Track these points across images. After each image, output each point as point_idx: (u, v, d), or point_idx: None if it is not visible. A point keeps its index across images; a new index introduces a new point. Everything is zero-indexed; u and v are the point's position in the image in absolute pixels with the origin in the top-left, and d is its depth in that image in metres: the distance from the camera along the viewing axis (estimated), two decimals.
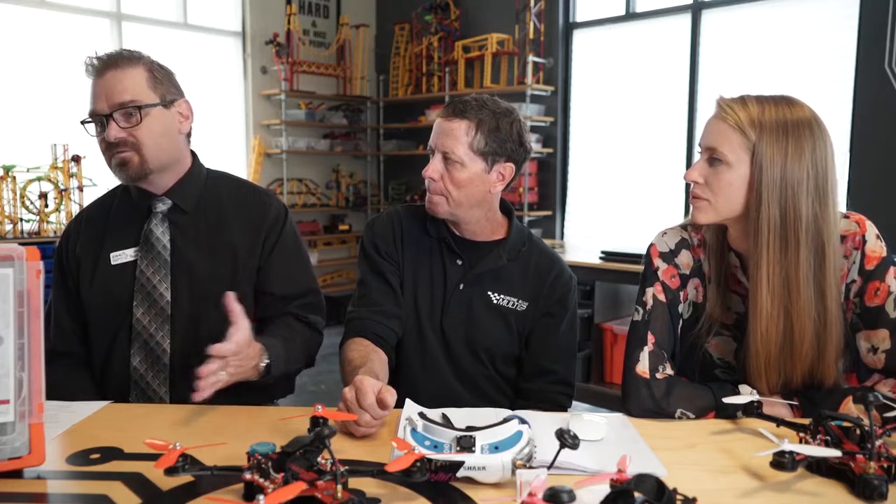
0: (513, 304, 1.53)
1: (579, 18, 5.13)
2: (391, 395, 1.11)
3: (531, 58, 5.03)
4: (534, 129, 5.09)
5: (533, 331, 1.55)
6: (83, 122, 1.46)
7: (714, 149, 1.23)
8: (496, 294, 1.53)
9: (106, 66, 1.42)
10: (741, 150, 1.21)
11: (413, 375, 1.53)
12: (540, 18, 5.10)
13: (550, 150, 5.19)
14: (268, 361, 1.35)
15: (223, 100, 5.46)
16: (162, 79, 1.47)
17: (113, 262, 1.51)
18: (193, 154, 1.58)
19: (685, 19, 4.58)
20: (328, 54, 5.91)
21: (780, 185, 1.19)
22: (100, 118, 1.43)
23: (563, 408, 1.53)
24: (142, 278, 1.48)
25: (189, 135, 1.55)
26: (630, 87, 4.86)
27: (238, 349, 1.22)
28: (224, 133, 5.43)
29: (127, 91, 1.41)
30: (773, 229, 1.20)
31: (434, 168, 1.46)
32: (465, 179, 1.45)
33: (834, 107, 3.88)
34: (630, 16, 4.84)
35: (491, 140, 1.45)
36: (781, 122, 1.20)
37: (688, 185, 1.31)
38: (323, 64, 5.82)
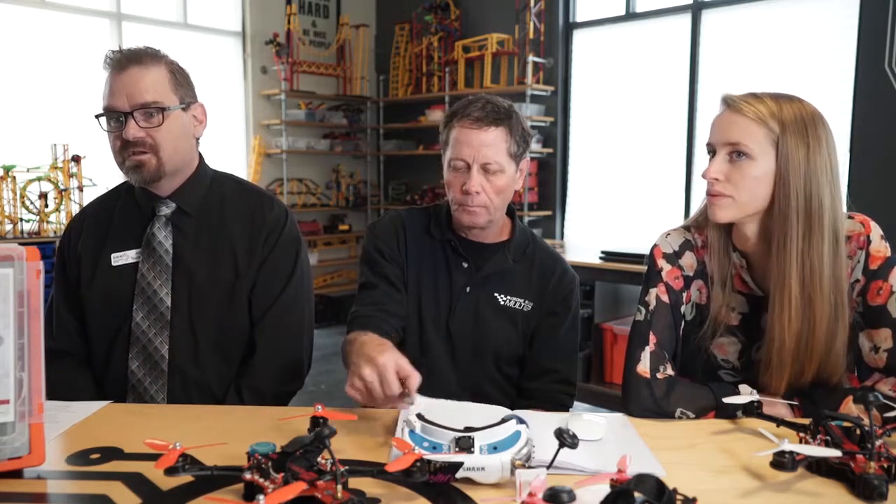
0: (519, 305, 1.53)
1: (579, 18, 5.13)
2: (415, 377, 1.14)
3: (531, 58, 5.02)
4: (534, 129, 5.09)
5: (536, 330, 1.55)
6: (97, 116, 1.44)
7: (737, 143, 1.22)
8: (503, 295, 1.53)
9: (128, 61, 1.40)
10: (766, 143, 1.21)
11: None
12: (540, 18, 5.10)
13: (550, 150, 5.19)
14: None
15: (223, 100, 5.45)
16: (182, 81, 1.46)
17: (114, 263, 1.49)
18: (200, 156, 1.57)
19: (685, 19, 4.58)
20: (328, 54, 5.91)
21: (805, 176, 1.20)
22: (117, 114, 1.40)
23: (565, 407, 1.53)
24: (142, 282, 1.47)
25: (198, 138, 1.54)
26: (630, 87, 4.86)
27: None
28: (224, 133, 5.42)
29: (149, 91, 1.40)
30: (800, 220, 1.21)
31: (477, 182, 1.43)
32: (504, 185, 1.46)
33: (834, 107, 3.88)
34: (630, 16, 4.84)
35: (521, 141, 1.47)
36: (798, 115, 1.21)
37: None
38: (323, 64, 5.82)
